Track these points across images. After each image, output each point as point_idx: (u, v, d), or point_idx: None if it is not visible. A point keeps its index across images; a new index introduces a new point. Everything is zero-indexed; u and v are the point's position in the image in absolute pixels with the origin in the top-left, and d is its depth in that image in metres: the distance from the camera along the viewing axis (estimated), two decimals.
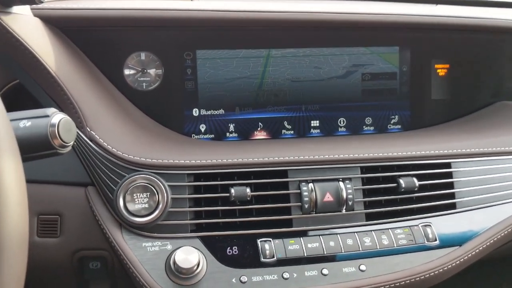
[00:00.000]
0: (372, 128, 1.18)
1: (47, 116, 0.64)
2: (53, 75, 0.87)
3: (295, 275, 0.88)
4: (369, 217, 0.96)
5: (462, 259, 0.96)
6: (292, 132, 1.15)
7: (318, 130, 1.16)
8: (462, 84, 1.22)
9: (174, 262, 0.84)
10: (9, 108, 0.67)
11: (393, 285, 0.91)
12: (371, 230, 0.95)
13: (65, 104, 0.89)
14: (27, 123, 0.63)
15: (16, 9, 0.83)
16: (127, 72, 1.05)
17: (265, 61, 1.12)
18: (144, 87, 1.07)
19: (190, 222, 0.90)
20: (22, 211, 0.52)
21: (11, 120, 0.62)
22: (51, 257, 0.91)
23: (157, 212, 0.87)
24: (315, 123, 1.15)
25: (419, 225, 0.97)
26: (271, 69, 1.12)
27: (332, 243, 0.92)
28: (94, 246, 0.91)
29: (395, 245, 0.94)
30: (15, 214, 0.50)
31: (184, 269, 0.83)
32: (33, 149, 0.63)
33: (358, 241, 0.93)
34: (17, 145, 0.54)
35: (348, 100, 1.16)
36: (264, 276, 0.88)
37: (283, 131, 1.14)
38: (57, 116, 0.64)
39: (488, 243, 0.98)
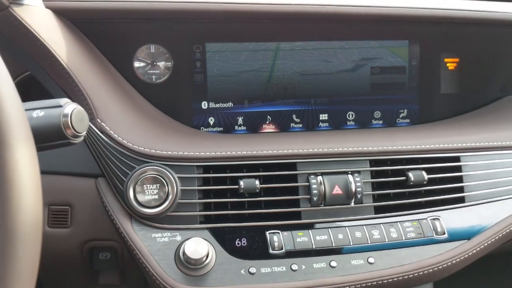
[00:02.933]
0: (380, 122, 1.18)
1: (60, 106, 0.64)
2: (64, 67, 0.87)
3: (303, 267, 0.89)
4: (378, 210, 0.96)
5: (470, 253, 0.96)
6: (300, 125, 1.15)
7: (327, 124, 1.16)
8: (472, 78, 1.22)
9: (184, 253, 0.85)
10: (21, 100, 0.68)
11: (401, 277, 0.91)
12: (379, 223, 0.95)
13: (76, 95, 0.89)
14: (40, 113, 0.63)
15: (27, 0, 0.83)
16: (137, 64, 1.06)
17: (274, 54, 1.12)
18: (154, 80, 1.07)
19: (199, 214, 0.90)
20: (37, 199, 0.53)
21: (25, 110, 0.63)
22: (61, 248, 0.92)
23: (166, 203, 0.87)
24: (323, 116, 1.15)
25: (428, 219, 0.97)
26: (280, 62, 1.12)
27: (340, 236, 0.92)
28: (104, 236, 0.92)
29: (403, 238, 0.94)
30: (30, 203, 0.51)
31: (193, 259, 0.84)
32: (46, 139, 0.63)
33: (367, 234, 0.93)
34: (32, 135, 0.55)
35: (357, 94, 1.16)
36: (273, 268, 0.88)
37: (292, 124, 1.14)
38: (70, 106, 0.64)
39: (497, 237, 0.98)
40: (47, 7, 0.89)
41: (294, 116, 1.14)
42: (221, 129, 1.12)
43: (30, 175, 0.52)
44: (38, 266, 0.53)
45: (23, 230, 0.50)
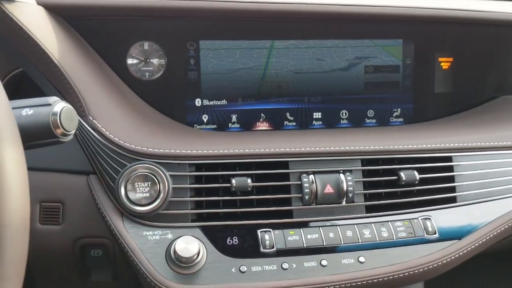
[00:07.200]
0: (374, 121, 1.18)
1: (49, 104, 0.64)
2: (56, 64, 0.87)
3: (294, 265, 0.89)
4: (369, 209, 0.96)
5: (461, 253, 0.96)
6: (294, 123, 1.15)
7: (320, 122, 1.16)
8: (466, 77, 1.22)
9: (175, 251, 0.85)
10: (13, 96, 0.68)
11: (391, 277, 0.91)
12: (370, 222, 0.95)
13: (67, 92, 0.89)
14: (29, 111, 0.63)
15: None
16: (130, 61, 1.06)
17: (268, 52, 1.12)
18: (147, 77, 1.07)
19: (190, 212, 0.90)
20: (24, 198, 0.53)
21: (14, 108, 0.63)
22: (53, 244, 0.92)
23: (158, 201, 0.87)
24: (317, 115, 1.15)
25: (419, 218, 0.97)
26: (274, 61, 1.12)
27: (331, 235, 0.93)
28: (95, 234, 0.92)
29: (394, 238, 0.94)
30: (16, 201, 0.51)
31: (184, 258, 0.84)
32: (35, 137, 0.63)
33: (358, 233, 0.93)
34: (19, 134, 0.55)
35: (350, 92, 1.16)
36: (264, 266, 0.88)
37: (285, 122, 1.14)
38: (59, 105, 0.64)
39: (487, 237, 0.98)
40: (39, 3, 0.89)
41: (287, 114, 1.14)
42: (214, 126, 1.12)
43: (17, 174, 0.52)
44: (25, 265, 0.53)
45: (10, 231, 0.50)
